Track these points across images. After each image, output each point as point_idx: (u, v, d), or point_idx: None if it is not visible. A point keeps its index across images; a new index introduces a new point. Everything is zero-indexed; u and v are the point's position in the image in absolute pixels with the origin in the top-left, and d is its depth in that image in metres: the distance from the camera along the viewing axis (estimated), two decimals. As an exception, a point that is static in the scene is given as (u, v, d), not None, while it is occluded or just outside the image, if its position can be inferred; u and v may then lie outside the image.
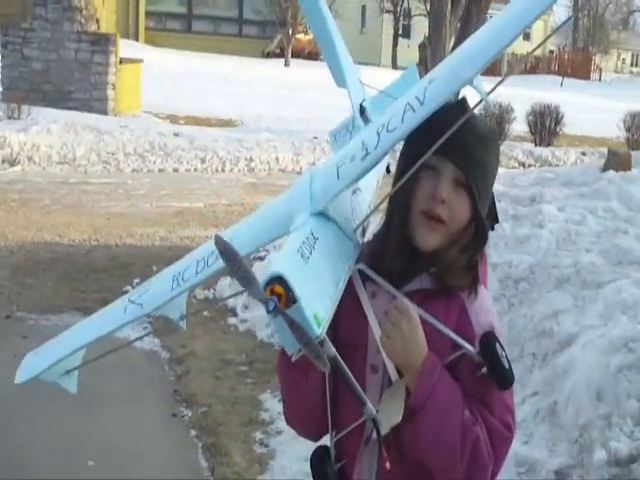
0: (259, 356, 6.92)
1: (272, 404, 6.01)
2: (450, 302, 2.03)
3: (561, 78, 45.97)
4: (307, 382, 2.01)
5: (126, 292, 7.56)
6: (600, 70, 56.46)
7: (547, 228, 7.23)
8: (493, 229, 2.09)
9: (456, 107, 1.96)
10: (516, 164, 18.53)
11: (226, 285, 8.02)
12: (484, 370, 1.94)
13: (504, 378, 1.94)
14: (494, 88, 1.84)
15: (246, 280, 1.61)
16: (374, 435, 1.97)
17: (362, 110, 2.43)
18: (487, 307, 2.07)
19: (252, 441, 5.50)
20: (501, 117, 19.64)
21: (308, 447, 5.83)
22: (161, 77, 24.73)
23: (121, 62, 20.19)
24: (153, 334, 7.16)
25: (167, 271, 2.09)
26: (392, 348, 1.90)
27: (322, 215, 1.85)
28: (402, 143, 1.99)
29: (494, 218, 2.11)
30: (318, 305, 1.69)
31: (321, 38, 2.54)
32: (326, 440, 2.09)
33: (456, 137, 1.87)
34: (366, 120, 2.40)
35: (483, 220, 2.02)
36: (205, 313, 7.84)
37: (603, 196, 8.10)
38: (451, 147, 1.91)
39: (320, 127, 20.61)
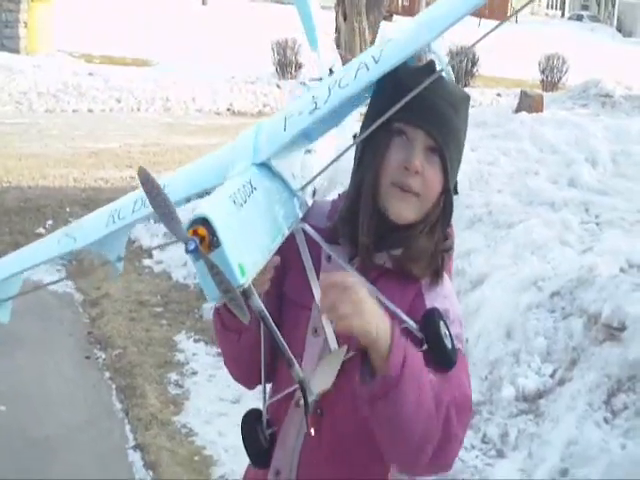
0: (174, 297, 6.91)
1: (187, 345, 6.02)
2: (407, 284, 1.88)
3: (478, 19, 46.00)
4: (240, 342, 1.92)
5: (39, 235, 7.45)
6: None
7: (460, 168, 7.29)
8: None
9: (424, 69, 1.81)
10: (432, 104, 18.40)
11: (142, 227, 7.96)
12: (424, 347, 1.76)
13: (445, 358, 1.77)
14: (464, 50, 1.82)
15: (167, 216, 1.49)
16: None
17: (331, 74, 2.30)
18: (445, 294, 1.91)
19: (167, 382, 5.49)
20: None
21: (222, 388, 5.83)
22: (75, 15, 24.18)
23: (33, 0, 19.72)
24: (67, 277, 7.09)
25: (103, 209, 2.01)
26: (343, 315, 1.61)
27: (265, 167, 1.76)
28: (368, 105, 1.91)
29: (454, 189, 1.93)
30: (245, 255, 1.58)
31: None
32: (258, 401, 1.99)
33: (428, 102, 1.79)
34: None
35: (451, 194, 1.88)
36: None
37: (515, 137, 8.17)
38: (423, 113, 1.80)
39: (237, 66, 20.42)
